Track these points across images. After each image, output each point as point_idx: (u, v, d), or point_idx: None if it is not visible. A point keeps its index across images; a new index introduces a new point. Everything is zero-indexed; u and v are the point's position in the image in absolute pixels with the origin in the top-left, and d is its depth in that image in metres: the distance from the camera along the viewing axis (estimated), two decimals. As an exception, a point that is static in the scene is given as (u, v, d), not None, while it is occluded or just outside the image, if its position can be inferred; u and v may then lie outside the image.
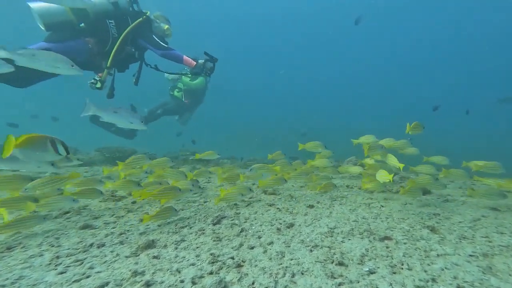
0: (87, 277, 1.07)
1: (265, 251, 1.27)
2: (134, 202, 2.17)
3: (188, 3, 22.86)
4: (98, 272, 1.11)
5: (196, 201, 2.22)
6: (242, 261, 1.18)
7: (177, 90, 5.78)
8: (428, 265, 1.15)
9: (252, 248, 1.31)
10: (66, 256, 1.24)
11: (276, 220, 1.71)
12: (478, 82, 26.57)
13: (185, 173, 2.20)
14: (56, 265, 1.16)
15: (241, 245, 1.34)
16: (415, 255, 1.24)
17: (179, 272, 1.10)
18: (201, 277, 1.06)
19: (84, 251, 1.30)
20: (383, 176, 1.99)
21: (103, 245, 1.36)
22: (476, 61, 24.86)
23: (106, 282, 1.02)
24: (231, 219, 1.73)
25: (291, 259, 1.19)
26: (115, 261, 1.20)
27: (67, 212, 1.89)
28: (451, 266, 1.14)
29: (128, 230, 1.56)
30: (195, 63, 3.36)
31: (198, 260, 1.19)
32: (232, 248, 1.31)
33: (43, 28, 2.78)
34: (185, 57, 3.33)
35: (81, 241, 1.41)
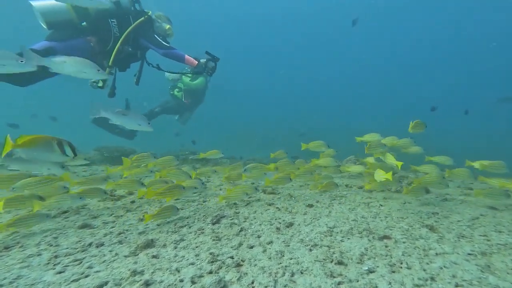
0: (86, 276, 1.07)
1: (264, 251, 1.27)
2: (133, 202, 2.17)
3: (189, 3, 22.86)
4: (97, 271, 1.10)
5: (195, 200, 2.22)
6: (242, 260, 1.18)
7: (177, 90, 5.79)
8: (427, 264, 1.15)
9: (252, 247, 1.31)
10: (65, 256, 1.24)
11: (276, 219, 1.71)
12: (478, 82, 26.60)
13: (189, 173, 2.22)
14: (54, 265, 1.16)
15: (240, 244, 1.34)
16: (414, 254, 1.24)
17: (179, 271, 1.10)
18: (201, 276, 1.06)
19: (83, 251, 1.30)
20: (380, 175, 1.99)
21: (102, 244, 1.36)
22: (476, 61, 24.87)
23: (105, 281, 1.02)
24: (231, 218, 1.73)
25: (291, 259, 1.19)
26: (114, 260, 1.20)
27: (66, 212, 1.89)
28: (450, 264, 1.14)
29: (127, 230, 1.56)
30: (196, 62, 3.37)
31: (197, 259, 1.19)
32: (232, 247, 1.31)
33: (44, 27, 2.78)
34: (187, 56, 3.34)
35: (79, 241, 1.41)
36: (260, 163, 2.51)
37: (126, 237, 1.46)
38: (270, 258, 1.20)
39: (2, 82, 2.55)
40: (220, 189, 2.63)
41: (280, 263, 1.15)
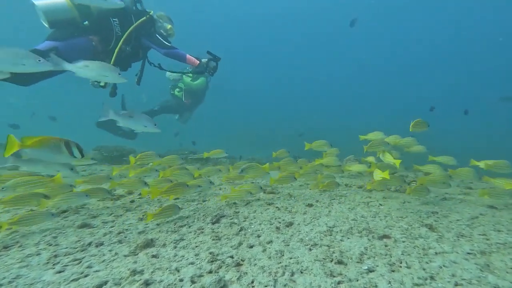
0: (85, 276, 1.07)
1: (264, 250, 1.27)
2: (132, 201, 2.17)
3: (189, 3, 22.86)
4: (96, 271, 1.10)
5: (195, 200, 2.22)
6: (242, 260, 1.18)
7: (177, 89, 5.79)
8: (427, 263, 1.15)
9: (251, 247, 1.31)
10: (64, 255, 1.24)
11: (275, 219, 1.71)
12: (478, 82, 26.59)
13: (192, 173, 2.22)
14: (54, 264, 1.16)
15: (240, 244, 1.34)
16: (413, 253, 1.24)
17: (178, 271, 1.09)
18: (200, 276, 1.06)
19: (82, 250, 1.29)
20: (378, 174, 1.99)
21: (102, 244, 1.36)
22: (476, 61, 24.88)
23: (104, 281, 1.02)
24: (230, 218, 1.73)
25: (290, 258, 1.19)
26: (114, 260, 1.20)
27: (65, 211, 1.89)
28: (449, 264, 1.14)
29: (126, 229, 1.56)
30: (198, 62, 3.37)
31: (197, 259, 1.19)
32: (231, 247, 1.31)
33: (46, 26, 2.76)
34: (188, 56, 3.34)
35: (79, 240, 1.41)
36: (258, 163, 2.51)
37: (125, 237, 1.45)
38: (270, 257, 1.20)
39: (6, 82, 2.54)
40: (220, 189, 2.63)
41: (280, 263, 1.15)
